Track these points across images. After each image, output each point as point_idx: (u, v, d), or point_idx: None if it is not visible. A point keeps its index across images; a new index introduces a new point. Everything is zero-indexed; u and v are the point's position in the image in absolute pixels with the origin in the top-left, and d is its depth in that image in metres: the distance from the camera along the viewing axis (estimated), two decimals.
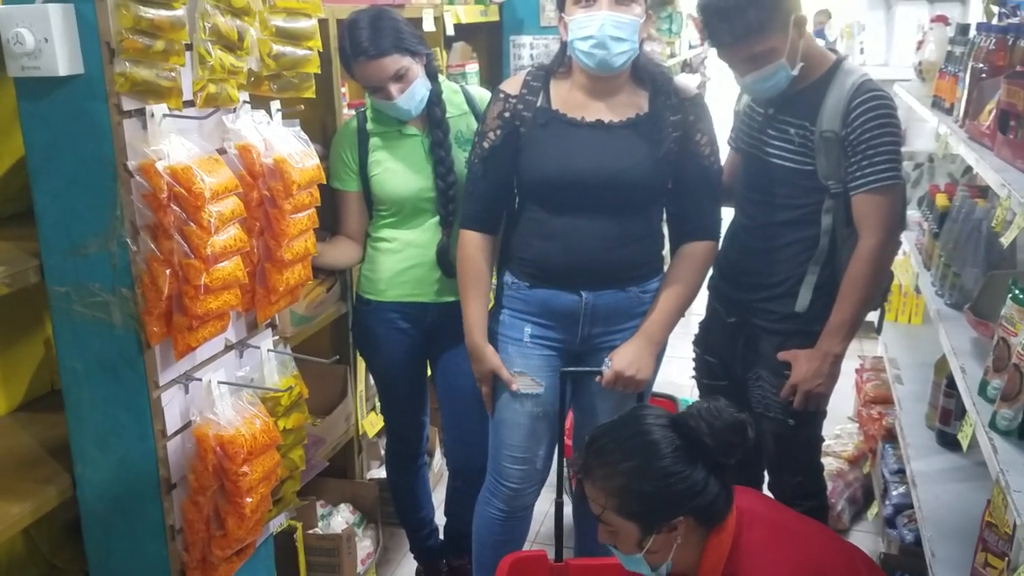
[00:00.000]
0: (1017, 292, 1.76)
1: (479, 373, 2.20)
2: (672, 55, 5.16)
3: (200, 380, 1.58)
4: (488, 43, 3.73)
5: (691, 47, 5.85)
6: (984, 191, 2.44)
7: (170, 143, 1.43)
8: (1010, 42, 2.17)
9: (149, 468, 1.59)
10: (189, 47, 1.49)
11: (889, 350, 3.12)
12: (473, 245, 2.15)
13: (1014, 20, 2.88)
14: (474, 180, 2.15)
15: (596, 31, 1.90)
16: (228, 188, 1.46)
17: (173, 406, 1.57)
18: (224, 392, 1.59)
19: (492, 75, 3.69)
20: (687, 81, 2.21)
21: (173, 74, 1.45)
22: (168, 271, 1.43)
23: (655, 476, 1.61)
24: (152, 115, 1.43)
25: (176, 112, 1.47)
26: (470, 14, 3.28)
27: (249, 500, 1.58)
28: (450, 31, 3.08)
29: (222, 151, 1.58)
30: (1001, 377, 1.75)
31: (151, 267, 1.45)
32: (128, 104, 1.43)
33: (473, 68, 3.35)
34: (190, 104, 1.52)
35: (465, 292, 2.17)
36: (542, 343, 2.16)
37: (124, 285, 1.48)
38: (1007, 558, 1.71)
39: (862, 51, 4.54)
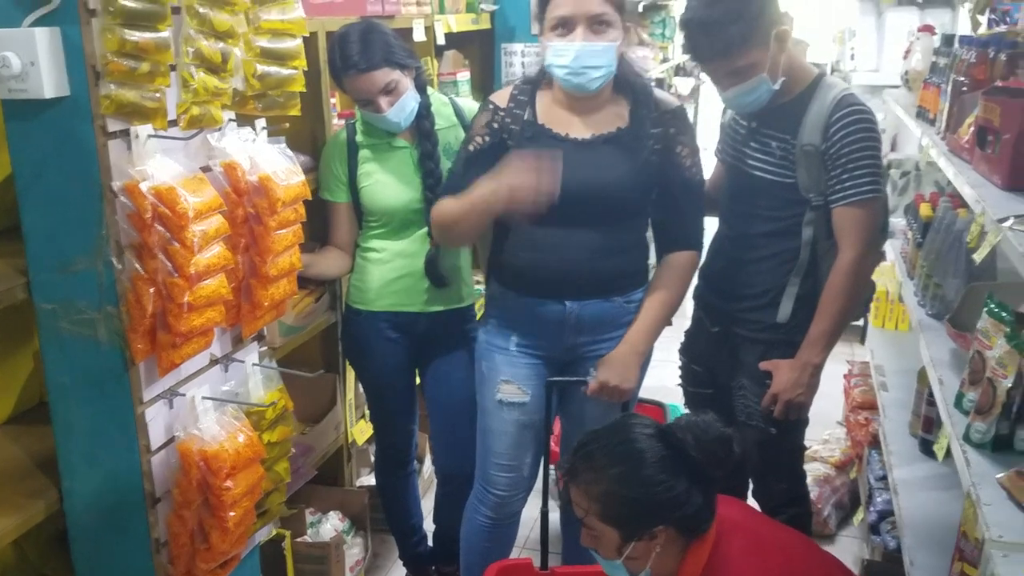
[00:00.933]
0: (992, 306, 1.79)
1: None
2: (665, 59, 5.18)
3: (184, 395, 1.60)
4: (480, 51, 3.74)
5: (684, 51, 5.86)
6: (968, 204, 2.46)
7: (155, 163, 1.45)
8: (991, 56, 2.20)
9: (135, 482, 1.61)
10: (174, 67, 1.51)
11: (875, 356, 3.14)
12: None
13: (1001, 28, 2.91)
14: (453, 177, 2.14)
15: (571, 61, 1.93)
16: (212, 207, 1.48)
17: (158, 421, 1.59)
18: (208, 407, 1.61)
19: (484, 83, 3.70)
20: (668, 94, 2.22)
21: (158, 95, 1.48)
22: (152, 290, 1.45)
23: (639, 483, 1.64)
24: (137, 136, 1.46)
25: (161, 133, 1.49)
26: (461, 23, 3.30)
27: (233, 514, 1.60)
28: (441, 40, 3.10)
29: (207, 169, 1.60)
30: (976, 390, 1.77)
31: (136, 285, 1.47)
32: (113, 125, 1.45)
33: (464, 76, 3.37)
34: (176, 124, 1.54)
35: (459, 202, 2.02)
36: (528, 352, 2.19)
37: (110, 303, 1.50)
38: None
39: (853, 57, 4.55)
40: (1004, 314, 1.75)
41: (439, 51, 3.25)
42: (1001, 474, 1.63)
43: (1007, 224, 1.55)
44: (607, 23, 1.93)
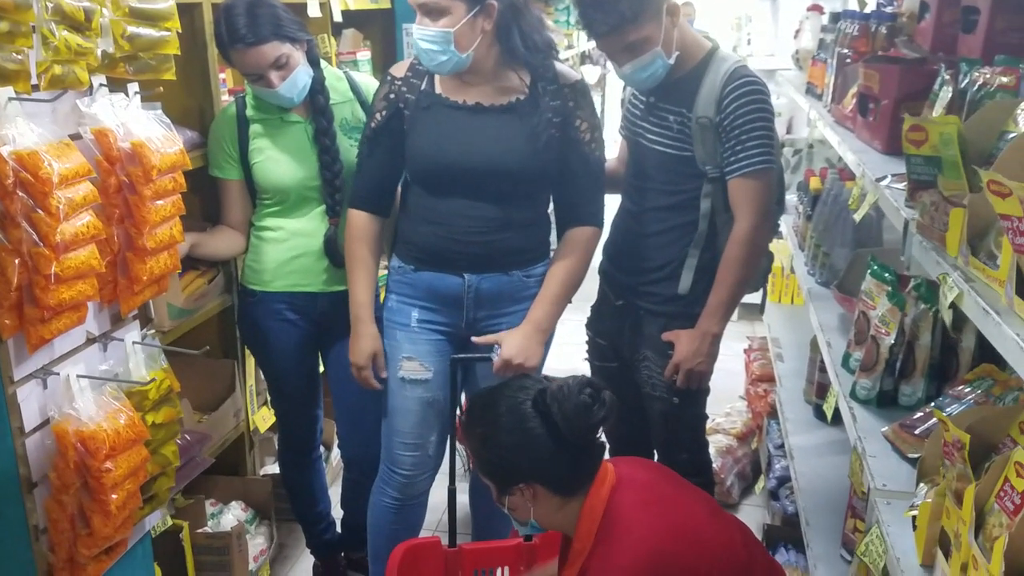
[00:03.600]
0: (875, 267, 1.85)
1: (358, 353, 2.16)
2: (570, 46, 5.21)
3: (59, 374, 1.52)
4: (382, 31, 3.68)
5: (580, 28, 5.90)
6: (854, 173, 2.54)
7: (16, 128, 1.37)
8: (872, 28, 2.28)
9: (9, 466, 1.52)
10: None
11: (772, 329, 3.22)
12: (359, 227, 2.16)
13: (888, 8, 3.01)
14: (361, 160, 2.17)
15: (415, 47, 1.99)
16: (79, 173, 1.41)
17: (31, 402, 1.50)
18: (85, 386, 1.53)
19: (386, 63, 3.63)
20: (569, 68, 2.21)
21: (20, 56, 1.39)
22: (17, 260, 1.37)
23: (496, 446, 1.70)
24: None
25: (24, 95, 1.40)
26: (359, 1, 3.23)
27: (115, 497, 1.53)
28: (338, 17, 3.03)
29: (77, 136, 1.52)
30: (861, 349, 1.83)
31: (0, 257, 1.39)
32: None
33: (365, 56, 3.30)
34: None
35: (352, 272, 2.17)
36: (429, 327, 2.16)
37: None
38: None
39: (749, 42, 4.66)
40: (886, 274, 1.81)
41: (337, 29, 3.18)
42: (886, 427, 1.69)
43: (884, 183, 1.59)
44: (437, 10, 1.94)
